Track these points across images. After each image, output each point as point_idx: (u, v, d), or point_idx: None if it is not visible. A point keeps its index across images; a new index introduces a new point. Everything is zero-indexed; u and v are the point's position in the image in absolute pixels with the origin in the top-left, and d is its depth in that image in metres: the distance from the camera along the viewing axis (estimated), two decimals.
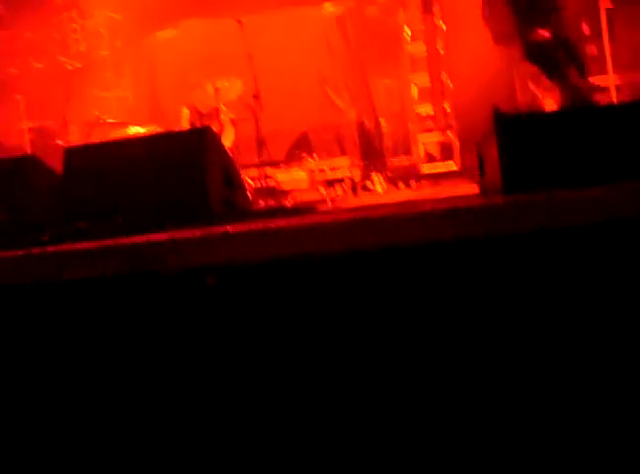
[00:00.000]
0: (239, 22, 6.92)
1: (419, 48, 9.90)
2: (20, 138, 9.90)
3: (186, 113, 8.24)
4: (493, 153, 2.99)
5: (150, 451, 2.56)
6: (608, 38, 8.90)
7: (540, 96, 9.32)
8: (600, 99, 8.82)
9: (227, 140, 7.52)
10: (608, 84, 8.89)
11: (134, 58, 10.64)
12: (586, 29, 9.38)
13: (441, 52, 9.80)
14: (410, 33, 9.98)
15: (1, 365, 2.68)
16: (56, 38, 11.19)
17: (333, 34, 9.32)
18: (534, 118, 3.28)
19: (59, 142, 7.44)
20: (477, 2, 9.65)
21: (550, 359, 2.29)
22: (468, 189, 5.79)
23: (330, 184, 8.17)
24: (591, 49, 9.24)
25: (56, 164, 3.85)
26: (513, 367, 2.31)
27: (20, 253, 2.71)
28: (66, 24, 11.10)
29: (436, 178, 9.04)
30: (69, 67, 8.75)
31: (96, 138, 7.61)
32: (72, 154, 3.75)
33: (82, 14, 11.07)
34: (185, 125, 8.10)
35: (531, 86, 9.34)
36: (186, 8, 9.80)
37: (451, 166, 9.47)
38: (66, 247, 2.75)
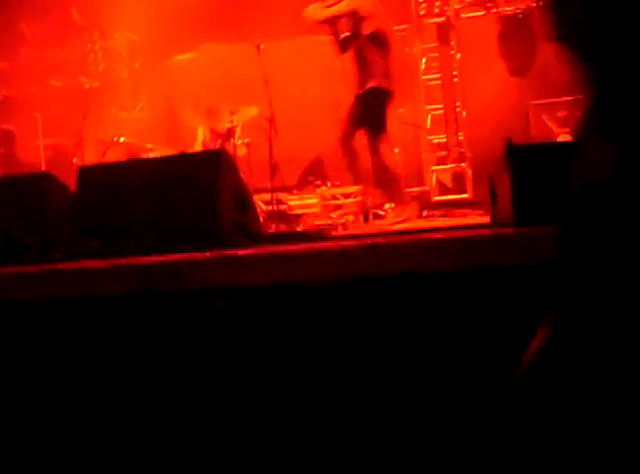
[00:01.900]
0: (257, 47, 6.98)
1: (434, 78, 9.95)
2: (36, 155, 10.00)
3: (201, 134, 8.29)
4: (505, 184, 2.99)
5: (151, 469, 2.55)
6: None
7: (554, 129, 9.34)
8: None
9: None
10: None
11: (152, 80, 10.75)
12: None
13: (456, 81, 9.85)
14: (425, 62, 10.04)
15: (9, 377, 2.69)
16: (76, 57, 11.33)
17: (349, 61, 9.38)
18: (547, 150, 3.28)
19: (75, 160, 7.49)
20: (493, 34, 9.73)
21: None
22: (480, 219, 5.80)
23: (342, 210, 8.17)
24: None
25: (71, 182, 3.87)
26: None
27: (33, 269, 2.73)
28: (87, 44, 11.25)
29: (448, 207, 9.04)
30: (87, 86, 8.85)
31: (111, 158, 7.67)
32: (86, 173, 3.77)
33: (103, 35, 11.21)
34: (199, 147, 8.14)
35: (545, 119, 9.36)
36: (205, 33, 9.91)
37: (464, 196, 9.47)
38: (78, 265, 2.77)
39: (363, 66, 6.33)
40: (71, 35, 11.21)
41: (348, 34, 6.30)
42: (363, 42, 6.28)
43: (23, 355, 2.72)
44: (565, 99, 9.32)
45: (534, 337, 1.31)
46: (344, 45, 6.35)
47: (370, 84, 6.21)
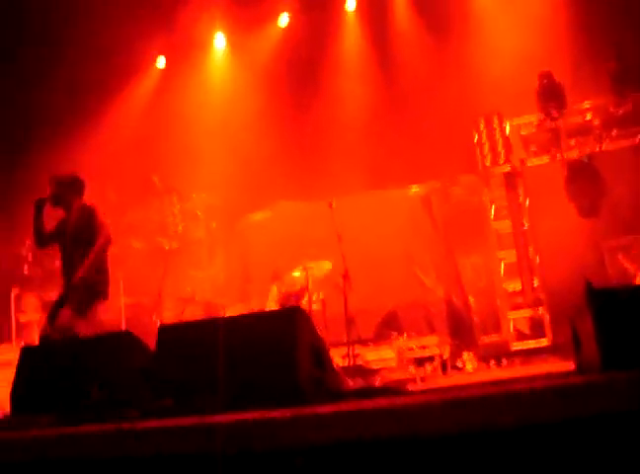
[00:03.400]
0: (329, 204, 7.19)
1: (504, 225, 9.98)
2: (117, 314, 10.27)
3: (274, 292, 8.40)
4: (588, 328, 2.91)
5: None
6: None
7: (631, 269, 9.15)
8: None
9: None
10: None
11: (228, 239, 11.12)
12: None
13: (526, 228, 9.86)
14: (494, 210, 10.12)
15: None
16: (156, 219, 11.90)
17: (419, 213, 9.53)
18: (630, 292, 3.19)
19: (154, 318, 7.67)
20: (560, 179, 9.80)
21: None
22: (562, 365, 5.59)
23: (419, 362, 8.01)
24: None
25: (150, 339, 3.94)
26: None
27: (111, 428, 2.73)
28: (166, 206, 11.84)
29: (527, 355, 8.77)
30: (166, 247, 9.20)
31: (189, 315, 7.82)
32: (165, 331, 3.84)
33: (181, 197, 11.82)
34: (274, 304, 8.23)
35: (621, 259, 9.20)
36: (278, 192, 10.31)
37: (543, 342, 9.21)
38: (154, 424, 2.76)
39: None
40: (151, 198, 11.84)
41: None
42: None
43: None
44: (638, 236, 9.20)
45: None
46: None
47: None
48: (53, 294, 8.61)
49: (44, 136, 10.20)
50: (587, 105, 9.61)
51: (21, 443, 2.86)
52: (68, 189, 6.02)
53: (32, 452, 2.80)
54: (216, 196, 11.69)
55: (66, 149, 10.68)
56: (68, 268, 5.95)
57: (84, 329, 5.73)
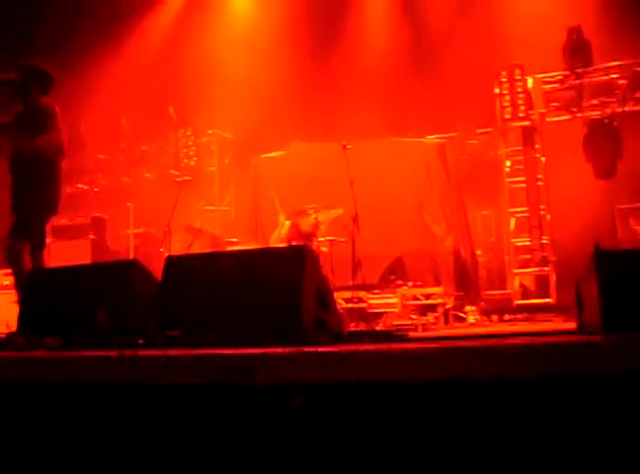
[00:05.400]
0: (344, 147, 7.15)
1: (518, 181, 9.93)
2: (125, 243, 10.38)
3: (285, 229, 8.43)
4: (592, 290, 2.91)
5: None
6: None
7: None
8: None
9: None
10: None
11: (240, 175, 11.11)
12: None
13: (540, 185, 9.81)
14: (509, 165, 10.05)
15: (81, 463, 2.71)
16: (169, 151, 11.91)
17: (433, 163, 9.44)
18: (636, 257, 3.19)
19: (162, 250, 7.73)
20: (578, 138, 9.71)
21: None
22: (564, 324, 5.64)
23: (422, 310, 8.06)
24: None
25: (157, 270, 3.97)
26: None
27: (114, 354, 2.78)
28: (180, 139, 11.82)
29: (531, 312, 8.83)
30: (178, 180, 9.23)
31: (196, 248, 7.87)
32: (172, 262, 3.86)
33: (196, 131, 11.78)
34: (282, 241, 8.26)
35: (633, 223, 9.16)
36: (293, 131, 10.24)
37: (547, 301, 9.25)
38: (157, 353, 2.80)
39: None
40: (166, 130, 11.82)
41: None
42: None
43: (96, 439, 2.74)
44: None
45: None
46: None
47: None
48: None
49: (63, 63, 10.13)
50: (613, 64, 9.44)
51: (23, 364, 2.92)
52: (33, 79, 5.28)
53: (33, 373, 2.86)
54: (232, 132, 11.65)
55: (83, 77, 10.63)
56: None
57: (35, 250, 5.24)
